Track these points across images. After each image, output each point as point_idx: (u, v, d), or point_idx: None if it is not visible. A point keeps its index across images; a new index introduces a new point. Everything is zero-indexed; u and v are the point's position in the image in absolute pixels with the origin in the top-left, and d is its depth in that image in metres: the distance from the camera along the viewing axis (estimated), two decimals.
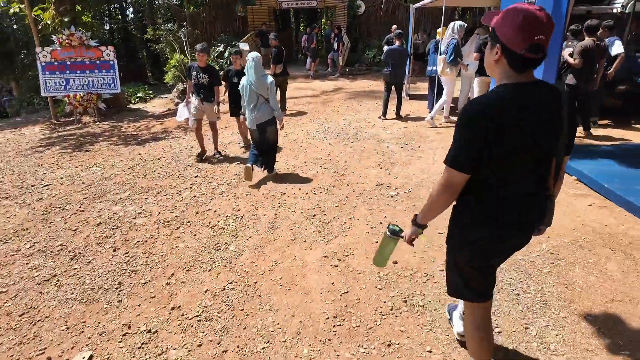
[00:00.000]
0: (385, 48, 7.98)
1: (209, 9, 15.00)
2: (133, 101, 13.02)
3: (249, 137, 5.45)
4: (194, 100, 5.89)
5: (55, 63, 10.44)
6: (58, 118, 11.16)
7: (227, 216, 4.19)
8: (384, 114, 7.85)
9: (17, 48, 13.73)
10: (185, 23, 13.03)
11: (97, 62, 10.79)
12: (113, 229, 4.09)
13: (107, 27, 21.99)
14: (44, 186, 5.50)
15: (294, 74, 13.45)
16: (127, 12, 23.51)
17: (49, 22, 10.53)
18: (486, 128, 1.38)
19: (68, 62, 10.53)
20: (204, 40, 15.20)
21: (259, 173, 5.28)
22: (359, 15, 14.34)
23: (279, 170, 5.45)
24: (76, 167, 6.30)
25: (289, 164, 5.68)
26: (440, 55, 7.19)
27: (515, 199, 1.54)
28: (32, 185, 5.53)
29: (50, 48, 10.30)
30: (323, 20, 20.04)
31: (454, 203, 1.65)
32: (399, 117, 7.87)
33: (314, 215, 4.06)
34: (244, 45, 12.91)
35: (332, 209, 4.20)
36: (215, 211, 4.34)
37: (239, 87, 4.88)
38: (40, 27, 10.55)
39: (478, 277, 1.74)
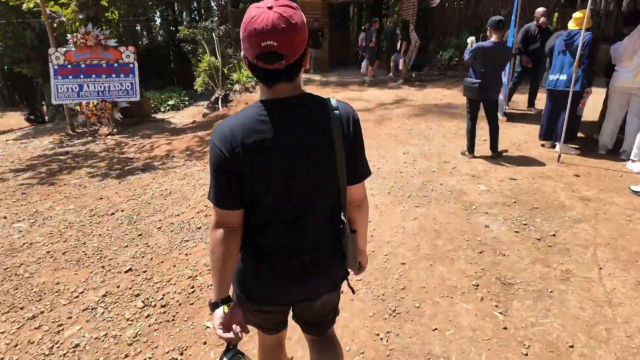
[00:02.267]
0: (470, 42, 4.85)
1: None
2: (163, 109, 11.18)
3: None
4: None
5: (69, 66, 8.78)
6: (75, 129, 9.59)
7: None
8: (471, 148, 4.79)
9: None
10: (216, 18, 10.85)
11: (115, 65, 8.97)
12: None
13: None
14: None
15: (346, 80, 10.68)
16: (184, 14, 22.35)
17: (64, 19, 8.90)
18: (228, 154, 1.04)
19: (83, 65, 8.82)
20: None
21: None
22: (432, 7, 11.17)
23: None
24: (5, 218, 4.18)
25: None
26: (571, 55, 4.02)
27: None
28: None
29: (64, 49, 8.64)
30: (389, 17, 16.99)
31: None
32: (495, 153, 4.75)
33: None
34: None
35: None
36: None
37: None
38: (55, 24, 8.97)
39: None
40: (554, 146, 4.86)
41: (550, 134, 4.80)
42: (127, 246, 3.35)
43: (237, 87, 10.02)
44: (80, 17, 8.62)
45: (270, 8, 0.96)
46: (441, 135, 5.83)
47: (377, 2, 14.25)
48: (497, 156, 4.73)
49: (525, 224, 3.13)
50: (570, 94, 4.19)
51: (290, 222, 1.16)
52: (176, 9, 18.46)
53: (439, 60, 10.68)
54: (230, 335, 1.07)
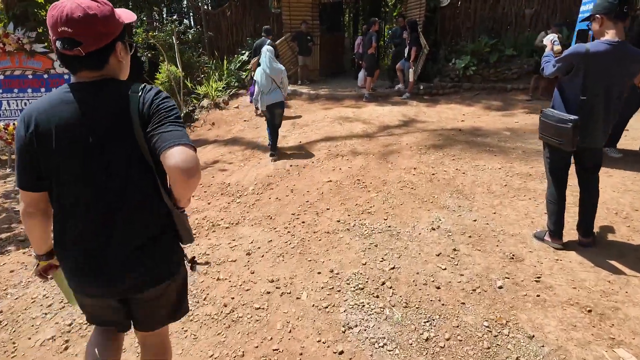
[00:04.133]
0: (549, 42, 2.66)
1: (235, 7, 10.60)
2: None
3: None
4: None
5: None
6: None
7: None
8: (557, 232, 2.56)
9: None
10: (175, 17, 8.54)
11: (45, 76, 6.79)
12: None
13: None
14: None
15: (340, 92, 8.51)
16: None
17: None
18: (24, 134, 1.05)
19: (1, 77, 6.64)
20: (227, 45, 10.83)
21: None
22: (442, 7, 9.05)
23: None
24: None
25: None
26: None
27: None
28: None
29: None
30: (393, 19, 14.87)
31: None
32: (588, 239, 2.54)
33: None
34: None
35: None
36: None
37: (256, 77, 4.89)
38: None
39: None
40: None
41: None
42: None
43: (204, 102, 7.83)
44: None
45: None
46: (484, 187, 3.63)
47: (375, 0, 12.09)
48: (589, 244, 2.55)
49: None
50: None
51: (89, 209, 1.09)
52: (154, 9, 16.12)
53: (451, 69, 8.52)
54: (40, 278, 1.29)
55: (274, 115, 4.94)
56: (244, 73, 9.27)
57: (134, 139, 1.05)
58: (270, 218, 3.41)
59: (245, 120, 7.22)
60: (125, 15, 1.13)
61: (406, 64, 7.40)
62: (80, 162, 1.05)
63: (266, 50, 4.83)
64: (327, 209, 3.48)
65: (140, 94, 1.07)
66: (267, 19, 10.67)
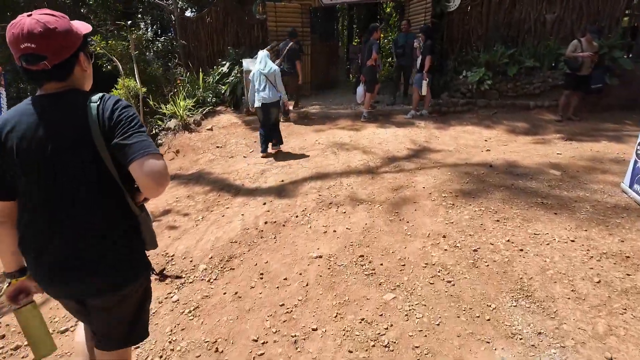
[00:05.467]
0: None
1: (215, 12, 9.19)
2: None
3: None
4: None
5: None
6: None
7: None
8: None
9: None
10: (132, 24, 6.98)
11: None
12: None
13: None
14: None
15: (334, 110, 7.11)
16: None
17: None
18: None
19: None
20: (207, 56, 9.42)
21: None
22: (449, 12, 7.72)
23: None
24: None
25: None
26: None
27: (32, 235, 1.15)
28: None
29: None
30: (392, 25, 13.48)
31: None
32: None
33: None
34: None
35: None
36: None
37: (250, 77, 4.97)
38: None
39: None
40: None
41: None
42: None
43: (172, 123, 6.37)
44: None
45: (29, 15, 1.02)
46: (566, 284, 2.21)
47: (372, 6, 10.73)
48: None
49: None
50: None
51: (47, 215, 1.10)
52: (139, 17, 14.43)
53: (462, 83, 7.16)
54: (10, 303, 1.17)
55: (269, 115, 4.86)
56: (223, 87, 7.84)
57: (94, 147, 1.05)
58: (216, 349, 1.96)
59: (218, 147, 5.78)
60: (82, 26, 1.13)
61: (418, 75, 6.01)
62: (39, 170, 1.05)
63: (263, 53, 5.04)
64: (314, 329, 2.04)
65: (98, 103, 1.07)
66: (251, 26, 9.28)
